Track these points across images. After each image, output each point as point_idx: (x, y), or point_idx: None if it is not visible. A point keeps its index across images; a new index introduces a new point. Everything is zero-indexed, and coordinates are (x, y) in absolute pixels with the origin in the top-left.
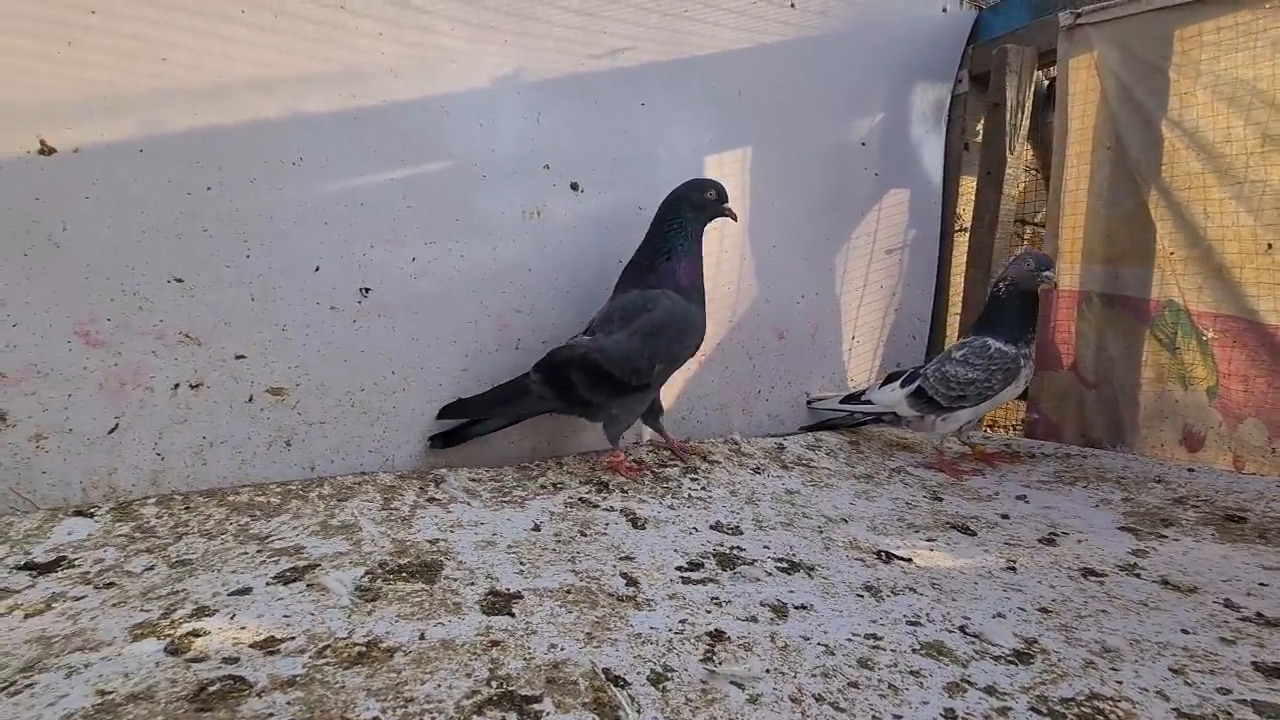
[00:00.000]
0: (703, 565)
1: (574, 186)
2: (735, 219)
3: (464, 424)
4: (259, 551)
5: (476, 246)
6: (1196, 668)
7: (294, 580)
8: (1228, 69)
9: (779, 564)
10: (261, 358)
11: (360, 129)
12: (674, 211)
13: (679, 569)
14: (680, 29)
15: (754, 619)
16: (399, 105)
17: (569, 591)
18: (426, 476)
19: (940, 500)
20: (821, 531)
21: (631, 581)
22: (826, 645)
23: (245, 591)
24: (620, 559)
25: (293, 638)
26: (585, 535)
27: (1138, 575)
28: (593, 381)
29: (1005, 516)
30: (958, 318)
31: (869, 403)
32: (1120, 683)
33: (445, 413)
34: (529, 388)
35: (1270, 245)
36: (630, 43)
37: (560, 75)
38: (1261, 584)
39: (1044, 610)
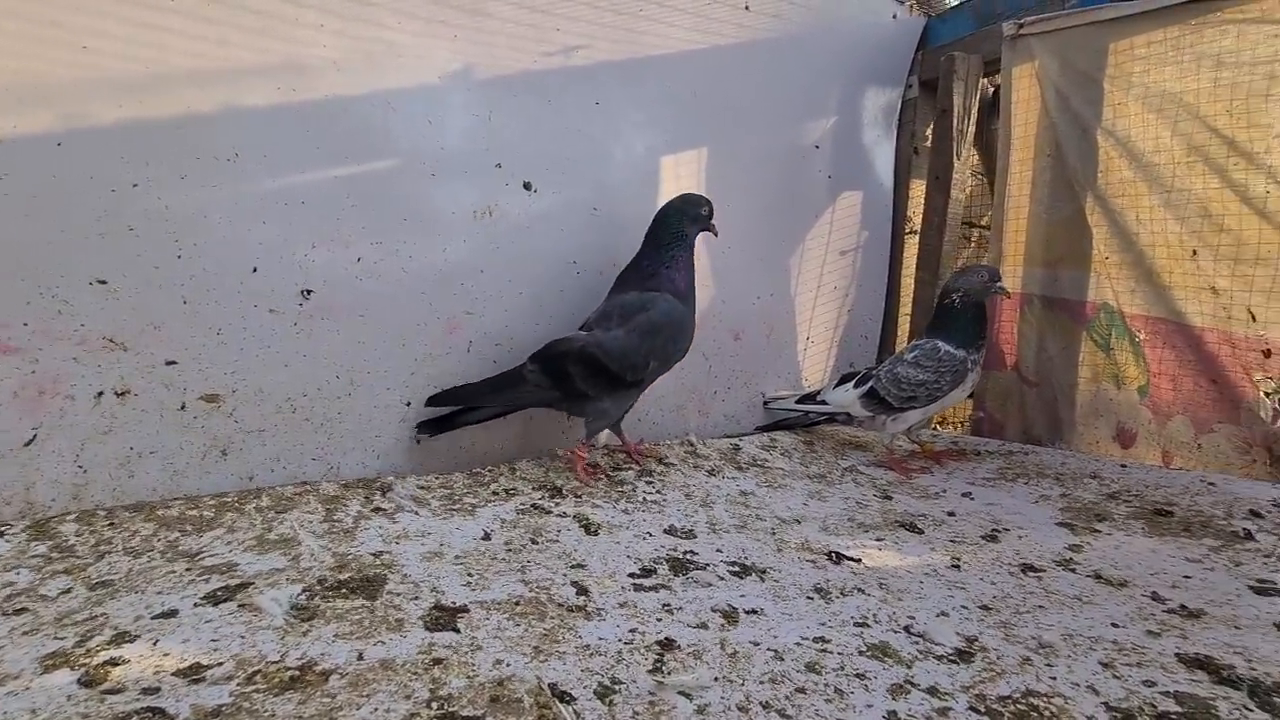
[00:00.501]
0: (655, 571)
1: (527, 186)
2: (716, 234)
3: (455, 411)
4: (188, 570)
5: (425, 246)
6: (1125, 660)
7: (225, 600)
8: (1157, 82)
9: (731, 568)
10: (194, 363)
11: (301, 124)
12: (674, 222)
13: (631, 576)
14: (635, 28)
15: (704, 625)
16: (342, 100)
17: (518, 603)
18: (373, 485)
19: (890, 499)
20: (774, 533)
21: (582, 590)
22: (776, 650)
23: (171, 614)
24: (572, 567)
25: (220, 663)
26: (537, 543)
27: (1073, 570)
28: (589, 374)
29: (951, 514)
30: (908, 318)
31: (824, 403)
32: (1054, 678)
33: (435, 400)
34: (525, 377)
35: (1195, 251)
36: (584, 41)
37: (512, 72)
38: (1185, 576)
39: (985, 608)
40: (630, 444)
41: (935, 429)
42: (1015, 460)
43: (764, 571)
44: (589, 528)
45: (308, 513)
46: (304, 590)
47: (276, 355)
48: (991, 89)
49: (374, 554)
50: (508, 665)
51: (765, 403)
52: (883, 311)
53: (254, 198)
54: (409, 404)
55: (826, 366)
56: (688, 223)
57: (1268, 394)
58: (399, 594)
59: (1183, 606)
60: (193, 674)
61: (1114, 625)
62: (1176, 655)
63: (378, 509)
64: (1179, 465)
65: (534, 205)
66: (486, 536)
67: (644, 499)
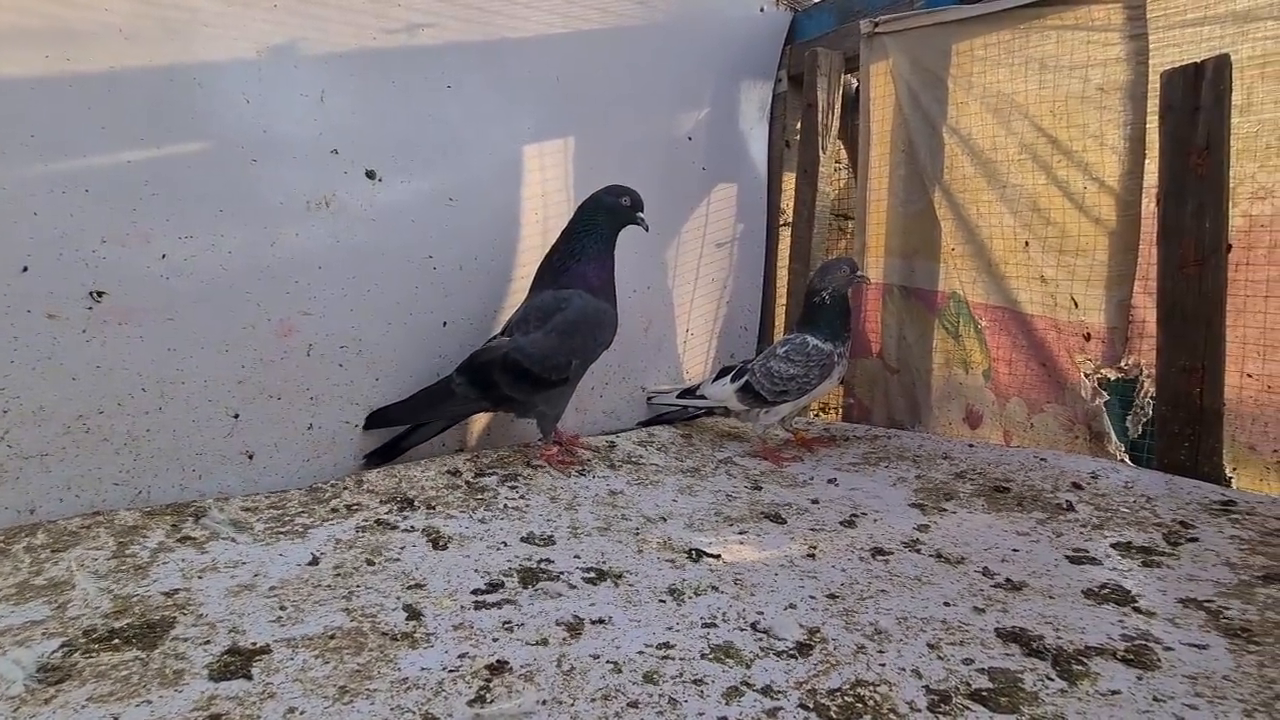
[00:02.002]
0: (502, 585)
1: (370, 174)
2: (647, 229)
3: (399, 436)
4: None
5: (249, 241)
6: (950, 640)
7: None
8: (993, 83)
9: (586, 574)
10: None
11: (80, 100)
12: (588, 215)
13: (475, 593)
14: (487, 8)
15: (544, 641)
16: (134, 74)
17: (333, 636)
18: (185, 510)
19: (760, 489)
20: (638, 533)
21: (414, 614)
22: (615, 662)
23: None
24: (408, 588)
25: None
26: (373, 564)
27: (918, 551)
28: (514, 379)
29: (815, 501)
30: (784, 308)
31: (703, 397)
32: (884, 665)
33: (370, 423)
34: (454, 390)
35: (1027, 243)
36: (430, 19)
37: (348, 50)
38: (1014, 550)
39: (832, 596)
40: (562, 435)
41: (815, 415)
42: (879, 444)
43: (620, 576)
44: (437, 541)
45: (93, 549)
46: (62, 645)
47: (61, 367)
48: (854, 84)
49: (167, 593)
50: (302, 713)
51: (648, 398)
52: (760, 303)
53: (19, 185)
54: (237, 416)
55: (707, 359)
56: (603, 215)
57: (1087, 375)
58: (187, 639)
59: (1008, 580)
60: None
61: (946, 604)
62: (996, 630)
63: (185, 538)
64: (1016, 444)
65: (380, 195)
66: (314, 561)
67: (505, 505)
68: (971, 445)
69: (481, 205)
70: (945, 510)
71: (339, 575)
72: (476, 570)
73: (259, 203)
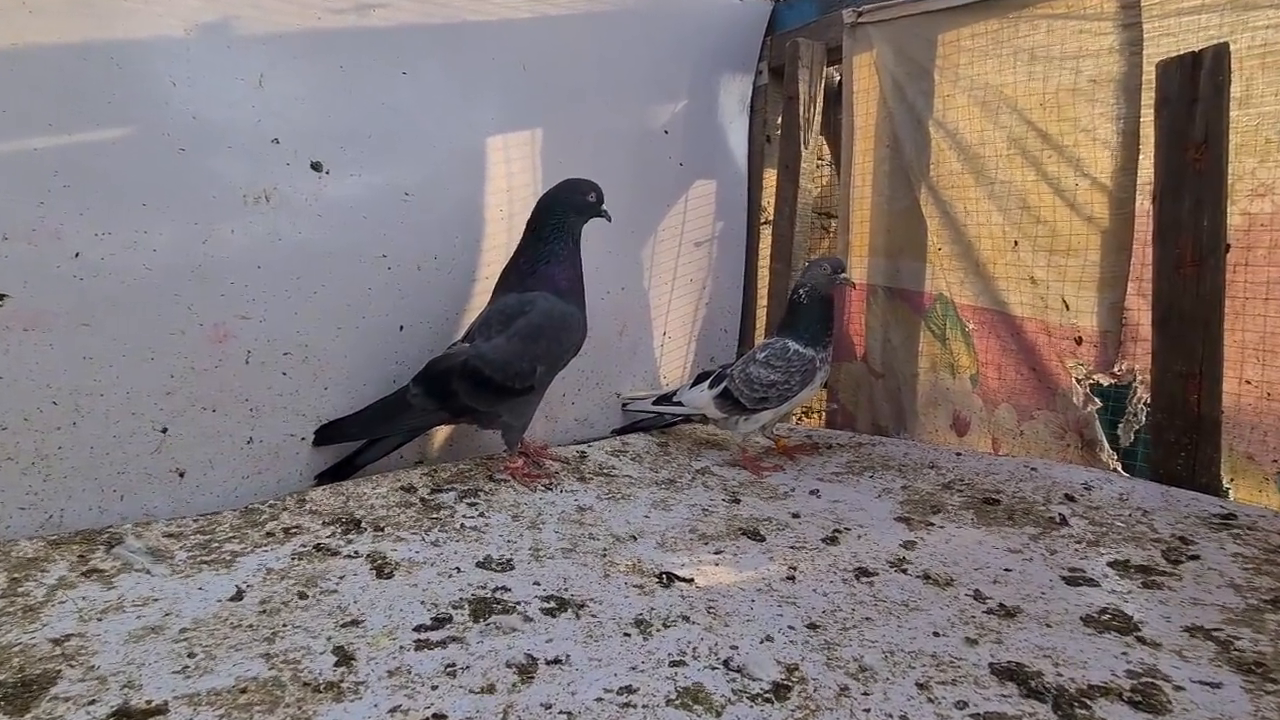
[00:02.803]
0: (450, 619)
1: (316, 167)
2: (610, 220)
3: (354, 453)
4: None
5: (177, 238)
6: (941, 678)
7: None
8: (981, 74)
9: (546, 604)
10: None
11: None
12: (550, 213)
13: (418, 629)
14: None
15: (491, 688)
16: (38, 51)
17: (244, 690)
18: (97, 538)
19: (738, 502)
20: (605, 555)
21: (345, 658)
22: (570, 713)
23: None
24: (342, 626)
25: None
26: (306, 598)
27: (905, 571)
28: (474, 388)
29: (796, 515)
30: (765, 310)
31: (680, 404)
32: (868, 710)
33: (322, 438)
34: (410, 401)
35: (1016, 242)
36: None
37: (290, 30)
38: (1006, 570)
39: (812, 626)
40: (529, 445)
41: (797, 421)
42: (864, 452)
43: (582, 606)
44: (383, 569)
45: None
46: None
47: None
48: (837, 76)
49: (56, 639)
50: None
51: (623, 404)
52: (741, 304)
53: None
54: (165, 430)
55: (686, 362)
56: (570, 212)
57: (1079, 380)
58: (69, 699)
59: (1001, 605)
60: None
61: (935, 634)
62: (990, 666)
63: (92, 571)
64: (1005, 452)
65: (327, 189)
66: (238, 595)
67: (461, 525)
68: (959, 453)
69: (441, 200)
70: (933, 525)
71: (264, 612)
72: (423, 602)
73: (188, 196)
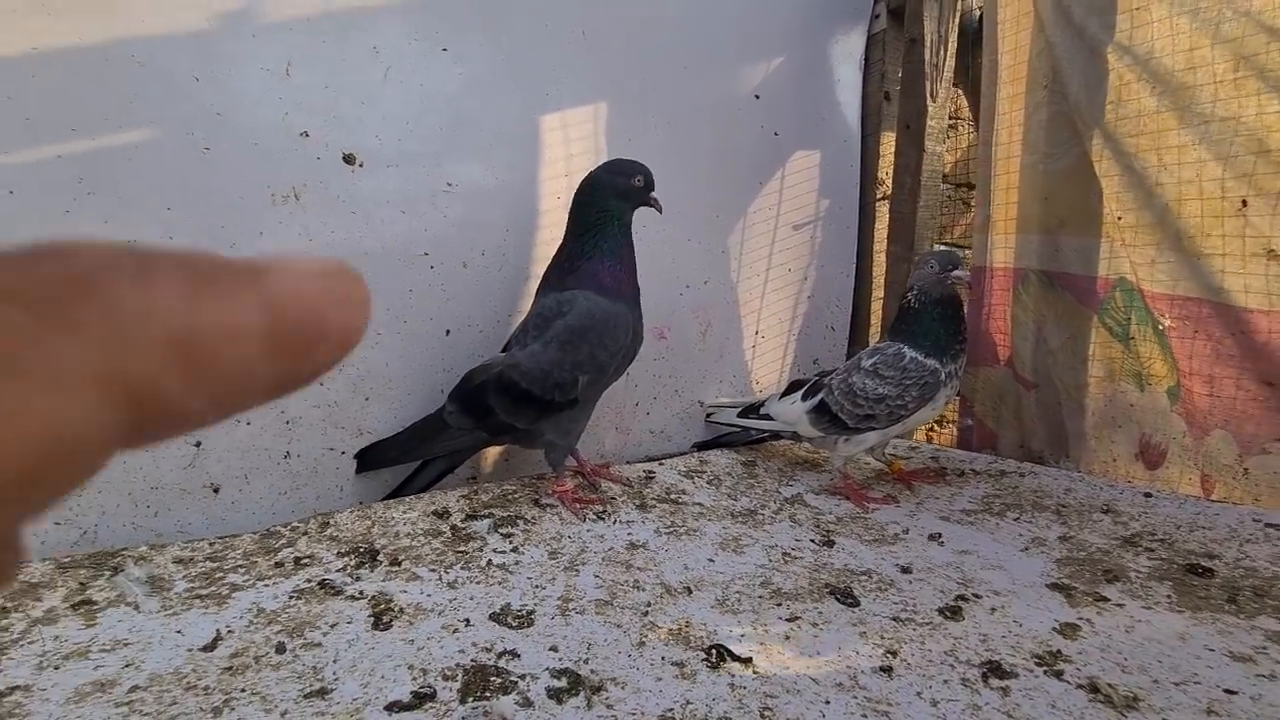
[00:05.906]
0: (433, 695)
1: (348, 159)
2: (661, 212)
3: (410, 475)
4: None
5: (204, 241)
6: None
7: None
8: None
9: (555, 682)
10: None
11: None
12: (594, 200)
13: (389, 708)
14: None
15: None
16: (61, 53)
17: None
18: (106, 562)
19: (831, 545)
20: (647, 613)
21: None
22: None
23: None
24: (305, 696)
25: None
26: (283, 652)
27: (1058, 675)
28: (512, 402)
29: (906, 570)
30: (882, 303)
31: (768, 417)
32: None
33: (363, 464)
34: (446, 420)
35: (1245, 202)
36: None
37: (315, 13)
38: (1228, 690)
39: None
40: (588, 465)
41: (913, 442)
42: (1007, 484)
43: (599, 688)
44: (381, 617)
45: None
46: None
47: None
48: (977, 10)
49: (2, 693)
50: None
51: (706, 415)
52: (852, 297)
53: None
54: (198, 444)
55: (783, 366)
56: (613, 199)
57: None
58: None
59: None
60: None
61: None
62: None
63: (83, 603)
64: (1221, 497)
65: (361, 183)
66: (212, 644)
67: (488, 563)
68: (1149, 495)
69: (489, 190)
70: (1106, 601)
71: (229, 670)
72: (412, 666)
73: (214, 198)
